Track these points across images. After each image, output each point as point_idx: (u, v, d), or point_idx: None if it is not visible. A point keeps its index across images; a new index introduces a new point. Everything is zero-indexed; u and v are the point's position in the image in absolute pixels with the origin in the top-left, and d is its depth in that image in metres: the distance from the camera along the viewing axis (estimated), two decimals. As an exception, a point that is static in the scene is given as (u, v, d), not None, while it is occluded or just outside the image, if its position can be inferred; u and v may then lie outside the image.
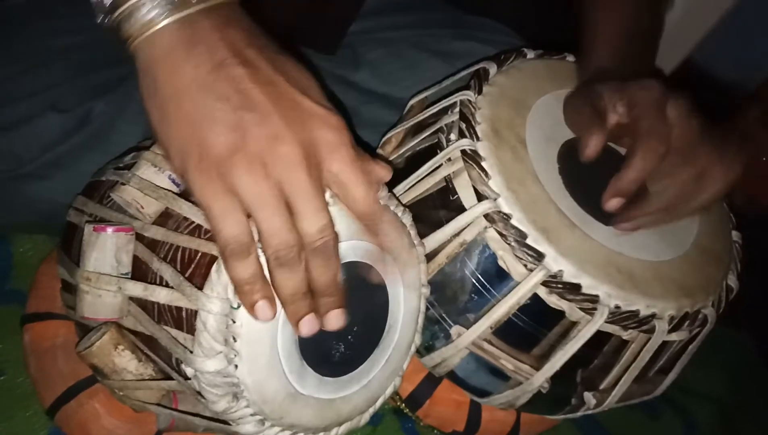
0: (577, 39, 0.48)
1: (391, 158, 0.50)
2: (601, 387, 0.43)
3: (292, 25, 0.59)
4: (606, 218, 0.41)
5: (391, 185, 0.41)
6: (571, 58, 0.50)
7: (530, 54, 0.49)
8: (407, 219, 0.39)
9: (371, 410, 0.40)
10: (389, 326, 0.38)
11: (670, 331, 0.39)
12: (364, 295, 0.36)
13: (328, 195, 0.31)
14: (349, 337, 0.36)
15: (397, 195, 0.43)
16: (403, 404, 0.50)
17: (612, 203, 0.40)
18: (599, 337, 0.40)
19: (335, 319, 0.31)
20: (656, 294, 0.39)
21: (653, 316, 0.38)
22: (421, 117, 0.48)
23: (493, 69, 0.45)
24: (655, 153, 0.38)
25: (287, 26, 0.60)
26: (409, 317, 0.39)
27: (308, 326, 0.31)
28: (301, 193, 0.29)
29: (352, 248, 0.34)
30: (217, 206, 0.28)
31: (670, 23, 0.82)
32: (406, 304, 0.38)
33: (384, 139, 0.51)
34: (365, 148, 0.33)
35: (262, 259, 0.30)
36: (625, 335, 0.39)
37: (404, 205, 0.39)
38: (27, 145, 0.43)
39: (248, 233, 0.29)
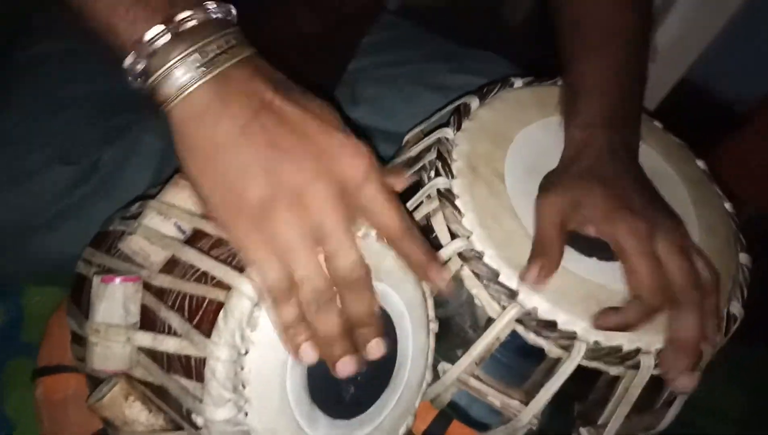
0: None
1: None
2: (599, 422, 0.42)
3: (292, 66, 0.61)
4: (589, 250, 0.40)
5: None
6: (561, 82, 0.50)
7: (518, 82, 0.50)
8: None
9: (385, 451, 0.39)
10: (399, 364, 0.38)
11: (658, 365, 0.38)
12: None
13: None
14: (359, 377, 0.36)
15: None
16: (418, 443, 0.50)
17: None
18: (589, 373, 0.39)
19: (374, 350, 0.32)
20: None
21: (638, 351, 0.37)
22: (409, 153, 0.49)
23: (475, 103, 0.46)
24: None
25: (287, 67, 0.62)
26: (418, 354, 0.39)
27: (345, 367, 0.31)
28: (334, 233, 0.30)
29: None
30: (259, 255, 0.30)
31: (665, 44, 0.82)
32: (414, 340, 0.38)
33: (378, 176, 0.52)
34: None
35: None
36: (613, 371, 0.38)
37: None
38: (37, 197, 0.47)
39: (289, 278, 0.30)
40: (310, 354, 0.31)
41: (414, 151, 0.48)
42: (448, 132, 0.44)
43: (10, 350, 0.49)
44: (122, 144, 0.49)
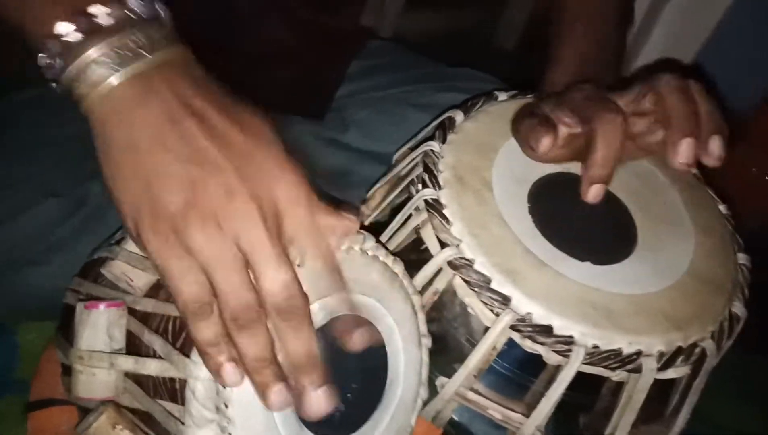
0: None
1: (376, 213, 0.51)
2: (606, 433, 0.40)
3: (282, 94, 0.63)
4: (582, 254, 0.40)
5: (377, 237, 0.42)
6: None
7: (502, 96, 0.50)
8: (399, 268, 0.38)
9: (380, 472, 0.38)
10: (390, 381, 0.37)
11: (661, 369, 0.37)
12: (362, 351, 0.35)
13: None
14: (348, 394, 0.35)
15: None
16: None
17: (594, 191, 0.40)
18: (592, 380, 0.38)
19: (318, 401, 0.29)
20: (640, 329, 0.37)
21: (639, 353, 0.36)
22: (397, 170, 0.49)
23: (459, 117, 0.47)
24: (614, 124, 0.39)
25: (277, 96, 0.64)
26: (411, 370, 0.38)
27: (278, 398, 0.29)
28: (258, 248, 0.28)
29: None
30: (174, 267, 0.28)
31: (655, 51, 0.83)
32: (406, 356, 0.38)
33: (368, 195, 0.53)
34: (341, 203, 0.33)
35: None
36: (615, 377, 0.38)
37: (394, 254, 0.39)
38: (26, 233, 0.47)
39: (208, 292, 0.28)
40: (230, 375, 0.29)
41: (402, 168, 0.49)
42: (433, 145, 0.44)
43: (3, 387, 0.48)
44: None
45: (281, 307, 0.28)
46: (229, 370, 0.29)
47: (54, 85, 0.30)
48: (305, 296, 0.29)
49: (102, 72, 0.28)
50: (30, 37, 0.29)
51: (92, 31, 0.28)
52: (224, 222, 0.28)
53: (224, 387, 0.31)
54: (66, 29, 0.28)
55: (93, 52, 0.28)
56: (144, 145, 0.28)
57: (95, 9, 0.29)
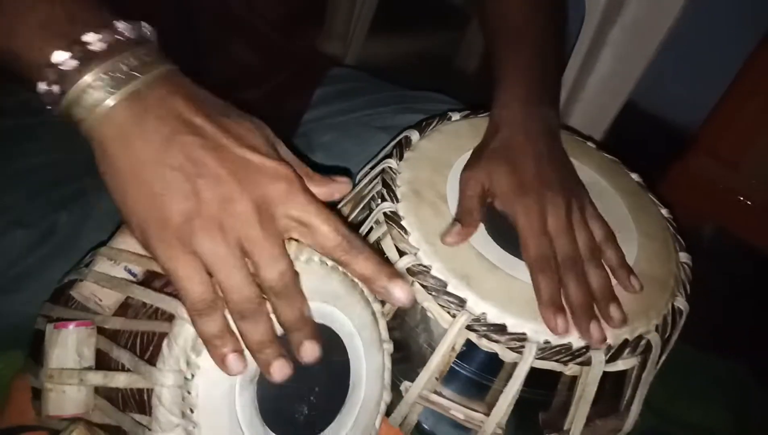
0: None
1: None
2: (565, 428, 0.43)
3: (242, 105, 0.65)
4: None
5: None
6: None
7: (455, 116, 0.54)
8: None
9: (345, 475, 0.39)
10: (353, 385, 0.39)
11: (610, 361, 0.40)
12: (323, 356, 0.36)
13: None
14: (312, 398, 0.37)
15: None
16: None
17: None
18: (548, 377, 0.41)
19: (307, 351, 0.32)
20: (588, 325, 0.40)
21: (588, 347, 0.39)
22: (359, 189, 0.52)
23: (415, 136, 0.50)
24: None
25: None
26: (373, 374, 0.40)
27: (279, 371, 0.32)
28: (256, 245, 0.31)
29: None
30: (181, 270, 0.31)
31: (604, 70, 0.88)
32: (368, 361, 0.39)
33: (333, 214, 0.55)
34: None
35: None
36: (567, 371, 0.40)
37: None
38: None
39: (212, 291, 0.31)
40: (234, 364, 0.32)
41: (363, 186, 0.52)
42: (391, 162, 0.47)
43: (-28, 419, 0.48)
44: (78, 207, 0.51)
45: (277, 290, 0.32)
46: (232, 359, 0.32)
47: (52, 109, 0.32)
48: (296, 274, 0.33)
49: (98, 95, 0.30)
50: (23, 64, 0.31)
51: (86, 58, 0.30)
52: (225, 226, 0.31)
53: (189, 393, 0.32)
54: (62, 57, 0.30)
55: (88, 78, 0.30)
56: (146, 162, 0.31)
57: (89, 37, 0.31)
